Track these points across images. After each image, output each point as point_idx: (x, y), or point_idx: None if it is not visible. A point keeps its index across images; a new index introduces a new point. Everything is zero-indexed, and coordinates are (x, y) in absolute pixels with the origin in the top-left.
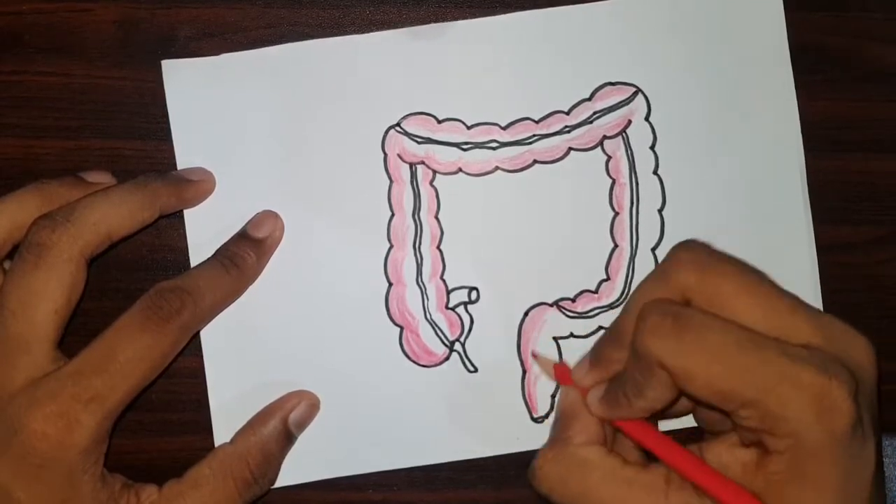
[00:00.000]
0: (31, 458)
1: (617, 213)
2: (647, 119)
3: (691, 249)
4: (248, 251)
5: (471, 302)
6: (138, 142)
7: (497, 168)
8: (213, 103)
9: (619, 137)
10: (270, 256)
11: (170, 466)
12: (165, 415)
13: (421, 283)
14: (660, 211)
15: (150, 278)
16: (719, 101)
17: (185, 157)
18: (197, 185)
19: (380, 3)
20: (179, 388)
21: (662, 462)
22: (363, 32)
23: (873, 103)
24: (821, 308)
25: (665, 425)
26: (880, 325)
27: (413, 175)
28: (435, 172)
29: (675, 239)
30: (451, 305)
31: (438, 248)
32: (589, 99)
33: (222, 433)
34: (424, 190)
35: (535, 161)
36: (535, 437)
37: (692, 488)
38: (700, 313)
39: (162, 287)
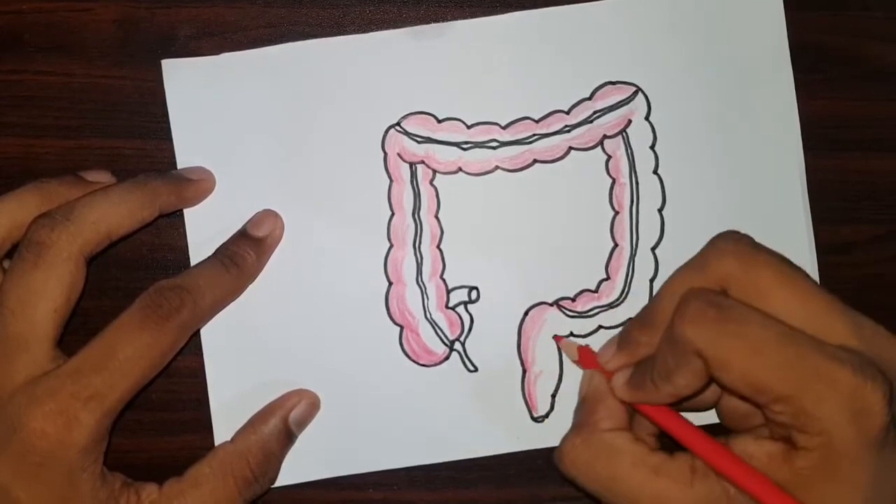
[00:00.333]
0: (31, 457)
1: (617, 213)
2: (647, 118)
3: (733, 239)
4: (247, 250)
5: (471, 301)
6: (138, 141)
7: (497, 167)
8: (213, 103)
9: (620, 137)
10: (270, 255)
11: (170, 465)
12: (165, 414)
13: (421, 283)
14: (660, 210)
15: (149, 277)
16: (719, 100)
17: (185, 156)
18: (197, 185)
19: (380, 3)
20: (179, 388)
21: (687, 451)
22: (363, 32)
23: (873, 103)
24: None
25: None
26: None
27: (413, 174)
28: (435, 172)
29: (676, 238)
30: (451, 305)
31: (438, 247)
32: (589, 98)
33: (222, 432)
34: (424, 189)
35: (535, 160)
36: (535, 437)
37: (717, 478)
38: (742, 305)
39: (161, 286)
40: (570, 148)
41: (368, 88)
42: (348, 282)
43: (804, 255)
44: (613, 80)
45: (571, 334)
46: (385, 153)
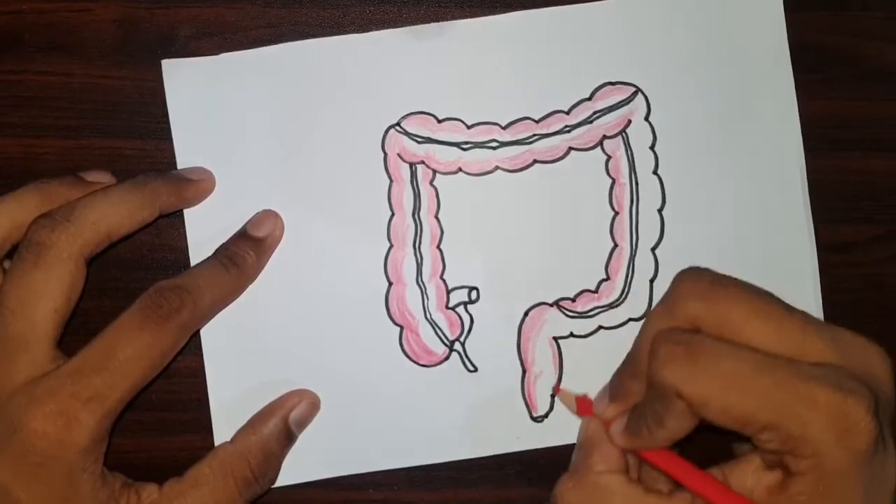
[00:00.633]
0: (31, 457)
1: (617, 213)
2: (646, 119)
3: (692, 279)
4: (247, 250)
5: (471, 301)
6: (138, 141)
7: (497, 168)
8: (213, 103)
9: (619, 137)
10: (270, 256)
11: (170, 466)
12: (165, 414)
13: (421, 283)
14: (660, 211)
15: (149, 277)
16: (719, 100)
17: (185, 156)
18: (197, 185)
19: (380, 3)
20: (179, 388)
21: (687, 488)
22: (363, 32)
23: (873, 102)
24: (821, 308)
25: None
26: (880, 325)
27: (413, 174)
28: (435, 172)
29: (675, 239)
30: (451, 305)
31: (438, 247)
32: (589, 98)
33: (222, 432)
34: (424, 189)
35: (535, 161)
36: (535, 437)
37: None
38: (711, 340)
39: (161, 286)
40: (570, 148)
41: (368, 88)
42: (348, 282)
43: (804, 255)
44: (613, 80)
45: (571, 335)
46: (385, 153)
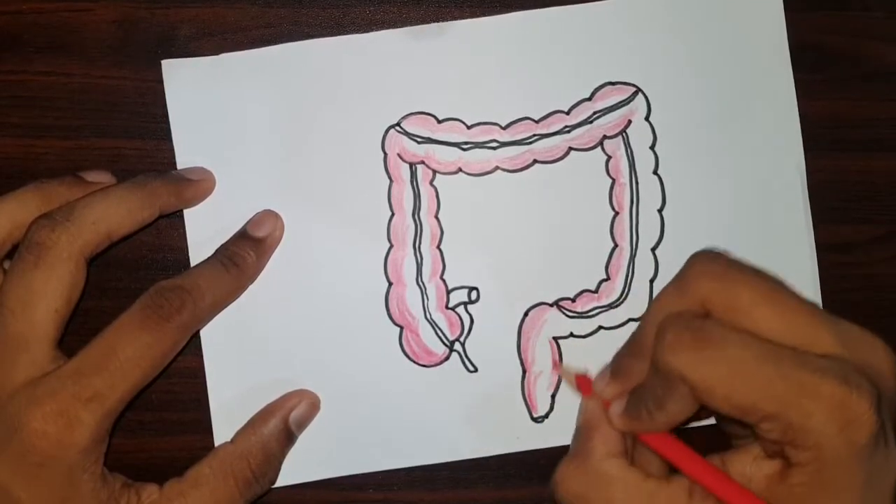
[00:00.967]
0: (31, 457)
1: (617, 213)
2: (647, 119)
3: (709, 259)
4: (248, 250)
5: (471, 302)
6: (138, 141)
7: (497, 168)
8: (213, 103)
9: (619, 137)
10: (270, 256)
11: (170, 466)
12: (165, 414)
13: (421, 283)
14: (660, 211)
15: (150, 278)
16: (719, 100)
17: (185, 156)
18: (197, 185)
19: (380, 3)
20: (179, 388)
21: (685, 474)
22: (363, 32)
23: (873, 103)
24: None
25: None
26: (880, 325)
27: (413, 175)
28: (435, 172)
29: (676, 239)
30: (451, 305)
31: (438, 247)
32: (589, 99)
33: (222, 433)
34: (424, 190)
35: (535, 161)
36: (535, 437)
37: (715, 501)
38: (719, 326)
39: (162, 286)
40: (570, 148)
41: (368, 88)
42: (348, 282)
43: (804, 255)
44: (613, 80)
45: (571, 335)
46: (385, 153)
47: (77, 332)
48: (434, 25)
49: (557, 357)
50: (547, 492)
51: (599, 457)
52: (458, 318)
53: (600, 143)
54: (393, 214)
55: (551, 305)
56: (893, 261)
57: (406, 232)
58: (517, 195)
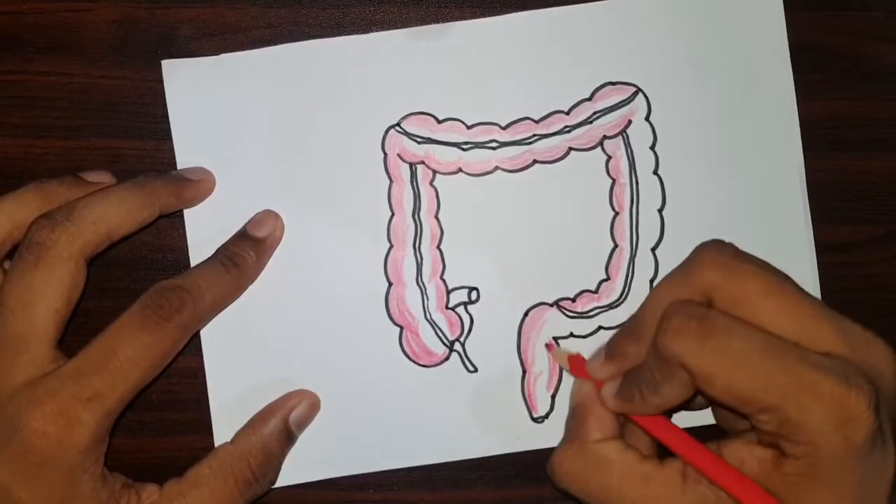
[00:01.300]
0: (31, 457)
1: (617, 213)
2: (647, 119)
3: (716, 249)
4: (248, 250)
5: (471, 302)
6: (138, 142)
7: (497, 168)
8: (213, 103)
9: (620, 137)
10: (270, 256)
11: (170, 466)
12: (165, 414)
13: (421, 283)
14: (660, 211)
15: (150, 278)
16: (719, 100)
17: (185, 156)
18: (197, 185)
19: (380, 3)
20: (179, 388)
21: (678, 456)
22: (363, 32)
23: (873, 103)
24: None
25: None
26: (880, 325)
27: (413, 175)
28: (435, 172)
29: (676, 239)
30: (451, 305)
31: (438, 247)
32: (589, 99)
33: (222, 433)
34: (424, 190)
35: (535, 161)
36: (535, 437)
37: (708, 484)
38: (725, 317)
39: (162, 286)
40: (570, 148)
41: (368, 89)
42: (348, 282)
43: (804, 255)
44: (613, 80)
45: (571, 335)
46: (385, 153)
47: (77, 332)
48: (434, 26)
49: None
50: (547, 492)
51: (595, 439)
52: (458, 318)
53: (600, 144)
54: (393, 214)
55: (551, 305)
56: (893, 261)
57: (406, 232)
58: (517, 195)
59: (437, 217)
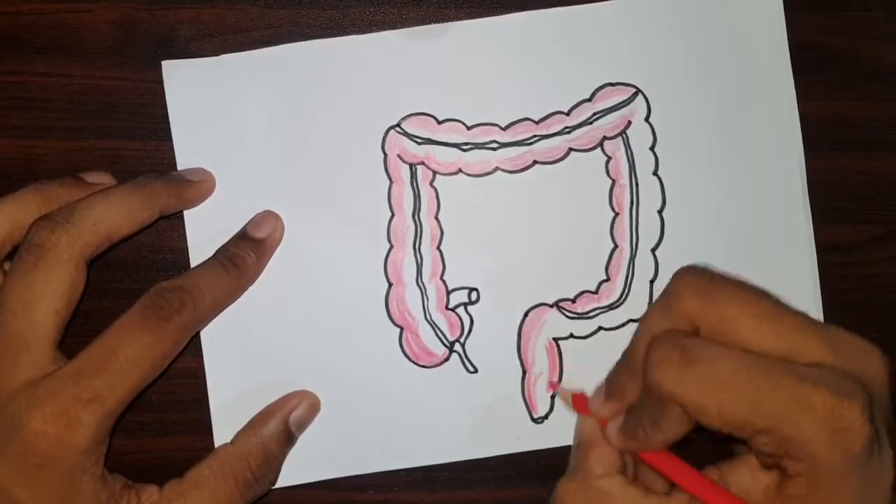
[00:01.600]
0: (31, 458)
1: (617, 214)
2: (647, 120)
3: (691, 276)
4: (248, 251)
5: (471, 302)
6: (138, 142)
7: (497, 169)
8: (213, 103)
9: (619, 138)
10: (270, 257)
11: (170, 466)
12: (165, 415)
13: (421, 284)
14: (660, 212)
15: (150, 278)
16: (719, 101)
17: (185, 157)
18: (197, 186)
19: (380, 4)
20: (179, 388)
21: (684, 490)
22: (363, 33)
23: (873, 103)
24: (821, 308)
25: None
26: (880, 325)
27: (413, 175)
28: (435, 173)
29: (676, 240)
30: (451, 306)
31: (438, 248)
32: (589, 99)
33: (222, 433)
34: (424, 190)
35: (535, 162)
36: (535, 438)
37: None
38: (707, 343)
39: (162, 287)
40: (570, 149)
41: (368, 89)
42: (348, 283)
43: (804, 255)
44: (613, 81)
45: (571, 336)
46: (385, 154)
47: (77, 333)
48: (434, 26)
49: (556, 378)
50: (547, 492)
51: (597, 475)
52: (458, 318)
53: (600, 144)
54: (393, 215)
55: (551, 306)
56: (893, 261)
57: (406, 233)
58: (517, 196)
59: (437, 218)
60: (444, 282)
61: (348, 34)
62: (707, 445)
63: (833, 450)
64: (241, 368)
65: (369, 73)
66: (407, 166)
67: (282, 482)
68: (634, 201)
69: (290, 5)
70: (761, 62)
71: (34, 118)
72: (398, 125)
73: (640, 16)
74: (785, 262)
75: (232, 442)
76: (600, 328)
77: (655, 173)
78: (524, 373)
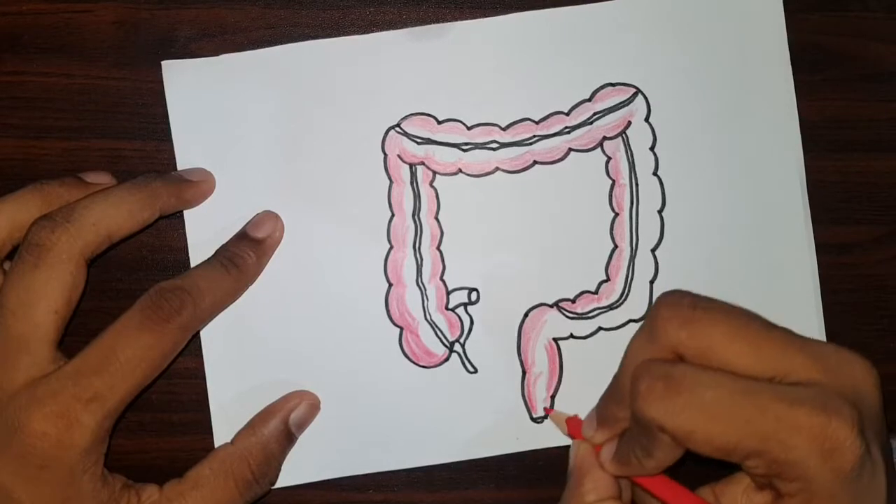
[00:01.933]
0: (32, 458)
1: (617, 214)
2: (646, 120)
3: (673, 303)
4: (248, 251)
5: (471, 303)
6: (138, 142)
7: (497, 169)
8: (213, 103)
9: (619, 138)
10: (270, 257)
11: (170, 466)
12: (165, 415)
13: (421, 284)
14: (659, 212)
15: (150, 278)
16: (719, 101)
17: (185, 157)
18: (197, 186)
19: (380, 4)
20: (179, 389)
21: None
22: (363, 33)
23: (873, 103)
24: (821, 309)
25: None
26: (880, 325)
27: (413, 176)
28: (435, 173)
29: (675, 240)
30: (450, 306)
31: (438, 248)
32: (589, 100)
33: (222, 433)
34: (424, 191)
35: (535, 162)
36: (535, 437)
37: None
38: (691, 370)
39: (162, 287)
40: (570, 149)
41: (368, 89)
42: (348, 283)
43: (804, 255)
44: (613, 81)
45: (571, 336)
46: (385, 154)
47: (77, 333)
48: (434, 26)
49: (549, 404)
50: (547, 492)
51: (591, 501)
52: (457, 319)
53: (600, 144)
54: (393, 215)
55: (551, 306)
56: (893, 261)
57: (406, 233)
58: (517, 196)
59: (437, 218)
60: (443, 282)
61: (348, 34)
62: (700, 468)
63: (825, 469)
64: (241, 368)
65: (369, 73)
66: (407, 166)
67: (282, 482)
68: (634, 201)
69: (290, 5)
70: (761, 62)
71: (34, 118)
72: (398, 125)
73: (640, 16)
74: (784, 262)
75: (232, 442)
76: (600, 328)
77: (655, 173)
78: (524, 373)
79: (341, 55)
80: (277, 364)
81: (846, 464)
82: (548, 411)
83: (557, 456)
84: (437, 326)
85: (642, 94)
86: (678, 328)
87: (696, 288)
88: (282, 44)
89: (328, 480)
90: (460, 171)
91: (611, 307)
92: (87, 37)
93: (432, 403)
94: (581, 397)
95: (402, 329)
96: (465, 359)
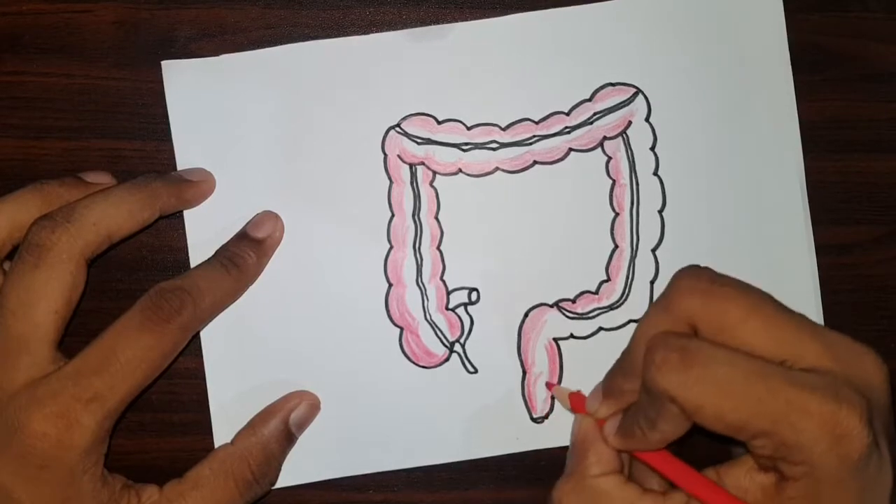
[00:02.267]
0: (32, 459)
1: (617, 214)
2: (647, 120)
3: (693, 276)
4: (248, 251)
5: (471, 303)
6: (138, 142)
7: (497, 169)
8: (213, 103)
9: (620, 138)
10: (270, 257)
11: (170, 467)
12: (165, 415)
13: (421, 284)
14: (660, 212)
15: (150, 278)
16: (719, 101)
17: (185, 157)
18: (197, 186)
19: (380, 5)
20: (179, 389)
21: (681, 489)
22: (363, 34)
23: (873, 103)
24: (820, 308)
25: None
26: (880, 325)
27: (413, 176)
28: (435, 173)
29: (676, 240)
30: (451, 306)
31: (438, 248)
32: (589, 100)
33: (222, 433)
34: (424, 191)
35: (535, 162)
36: (535, 438)
37: None
38: (706, 345)
39: (162, 287)
40: (570, 149)
41: (368, 90)
42: (348, 283)
43: (803, 255)
44: (613, 81)
45: (572, 336)
46: (385, 154)
47: (77, 333)
48: (434, 27)
49: (556, 380)
50: (546, 492)
51: (594, 474)
52: (458, 319)
53: (600, 144)
54: (393, 215)
55: (551, 306)
56: (893, 261)
57: (406, 233)
58: (517, 196)
59: (437, 218)
60: (444, 282)
61: (348, 34)
62: (704, 448)
63: (831, 456)
64: (241, 369)
65: (369, 73)
66: (407, 166)
67: (282, 482)
68: (635, 201)
69: (290, 5)
70: (761, 62)
71: (34, 118)
72: (398, 125)
73: (640, 16)
74: (784, 262)
75: (232, 442)
76: (600, 328)
77: (656, 173)
78: (524, 373)
79: (341, 55)
80: (277, 364)
81: (853, 452)
82: (550, 386)
83: (558, 456)
84: (437, 326)
85: (642, 93)
86: (694, 299)
87: None
88: (282, 44)
89: (328, 480)
90: (460, 171)
91: (611, 307)
92: (87, 37)
93: (432, 403)
94: None
95: (402, 329)
96: (465, 359)
